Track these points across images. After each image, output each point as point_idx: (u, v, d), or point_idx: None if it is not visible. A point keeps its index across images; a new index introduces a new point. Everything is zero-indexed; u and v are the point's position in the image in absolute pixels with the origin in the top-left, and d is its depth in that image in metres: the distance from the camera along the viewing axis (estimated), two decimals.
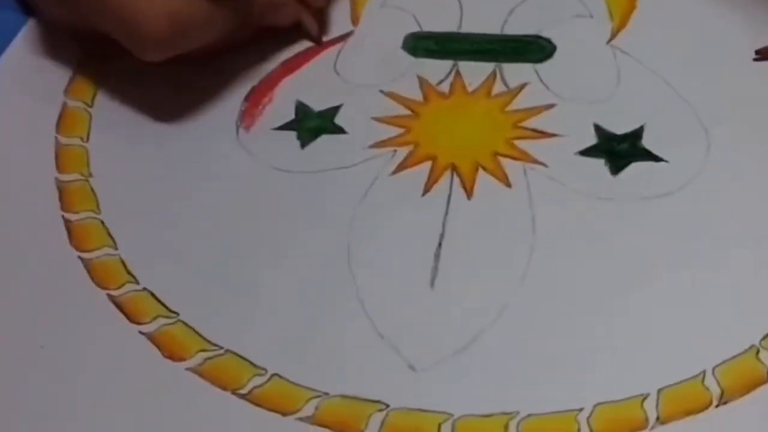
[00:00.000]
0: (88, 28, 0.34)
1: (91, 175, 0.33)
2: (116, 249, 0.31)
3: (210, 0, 0.32)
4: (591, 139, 0.33)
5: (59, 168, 0.33)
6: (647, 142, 0.32)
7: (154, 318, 0.29)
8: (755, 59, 0.34)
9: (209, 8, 0.32)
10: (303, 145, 0.33)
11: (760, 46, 0.34)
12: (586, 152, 0.32)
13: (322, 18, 0.36)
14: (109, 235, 0.31)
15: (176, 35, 0.32)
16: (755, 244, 0.30)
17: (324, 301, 0.29)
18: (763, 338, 0.28)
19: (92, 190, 0.33)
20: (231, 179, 0.33)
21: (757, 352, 0.27)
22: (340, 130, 0.34)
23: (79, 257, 0.31)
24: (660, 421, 0.26)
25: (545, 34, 0.36)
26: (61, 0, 0.34)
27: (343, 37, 0.37)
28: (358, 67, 0.36)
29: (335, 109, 0.34)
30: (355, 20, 0.37)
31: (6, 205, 0.32)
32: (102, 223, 0.32)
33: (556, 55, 0.35)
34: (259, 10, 0.35)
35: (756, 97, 0.33)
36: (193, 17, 0.32)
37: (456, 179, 0.32)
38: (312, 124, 0.34)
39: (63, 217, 0.32)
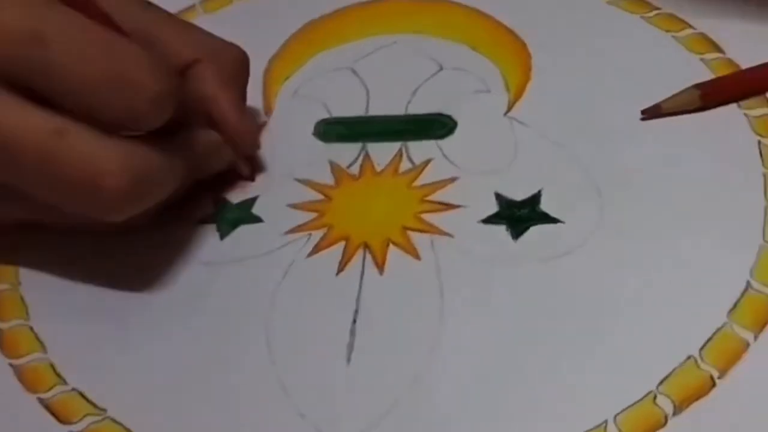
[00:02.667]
0: (20, 220, 0.34)
1: (19, 283, 0.34)
2: (45, 353, 0.32)
3: (158, 151, 0.32)
4: (492, 208, 0.34)
5: None
6: (545, 205, 0.34)
7: (83, 416, 0.30)
8: (642, 119, 0.36)
9: (160, 159, 0.32)
10: (222, 237, 0.35)
11: (645, 106, 0.36)
12: (488, 220, 0.34)
13: (251, 157, 0.37)
14: (38, 339, 0.33)
15: (138, 190, 0.31)
16: (650, 293, 0.31)
17: (247, 388, 0.31)
18: (660, 383, 0.29)
19: (21, 297, 0.34)
20: (155, 274, 0.34)
21: (654, 397, 0.29)
22: (257, 219, 0.35)
23: (10, 364, 0.32)
24: None
25: (447, 111, 0.38)
26: None
27: (256, 129, 0.38)
28: (274, 156, 0.37)
29: (252, 200, 0.36)
30: (267, 110, 0.39)
31: None
32: (31, 328, 0.33)
33: (457, 130, 0.37)
34: (196, 157, 0.34)
35: (644, 154, 0.35)
36: (152, 170, 0.32)
37: (368, 256, 0.34)
38: (231, 216, 0.36)
39: None
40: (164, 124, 0.32)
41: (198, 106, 0.35)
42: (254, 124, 0.37)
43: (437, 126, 0.37)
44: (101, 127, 0.31)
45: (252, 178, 0.37)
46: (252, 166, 0.37)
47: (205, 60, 0.36)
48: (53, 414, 0.30)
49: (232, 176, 0.37)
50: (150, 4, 0.36)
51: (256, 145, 0.37)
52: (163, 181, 0.32)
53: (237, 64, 0.37)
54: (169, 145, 0.33)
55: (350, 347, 0.31)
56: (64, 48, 0.30)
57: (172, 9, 0.42)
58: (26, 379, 0.31)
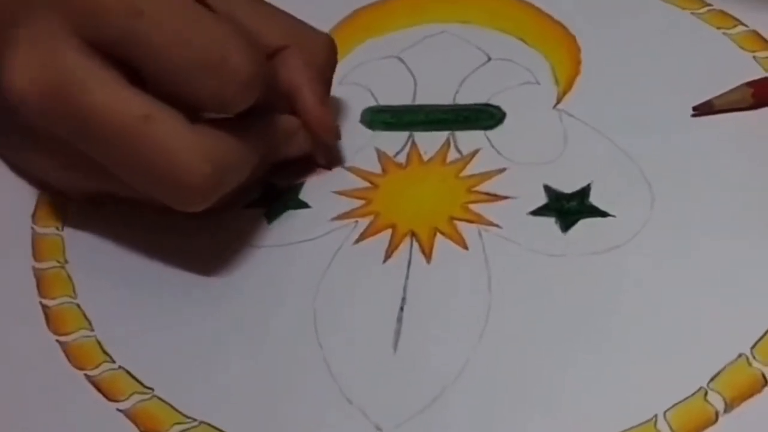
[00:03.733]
0: (94, 191, 0.34)
1: (66, 261, 0.35)
2: (92, 330, 0.32)
3: (237, 139, 0.32)
4: (541, 199, 0.34)
5: (36, 256, 0.35)
6: (594, 198, 0.34)
7: (130, 395, 0.31)
8: (693, 115, 0.36)
9: (240, 146, 0.32)
10: (270, 221, 0.35)
11: (697, 102, 0.36)
12: (537, 212, 0.34)
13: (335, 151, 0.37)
14: (85, 317, 0.33)
15: (218, 180, 0.31)
16: (700, 290, 0.31)
17: (293, 370, 0.31)
18: (711, 380, 0.29)
19: (68, 275, 0.34)
20: (203, 256, 0.34)
21: (705, 394, 0.29)
22: (304, 205, 0.35)
23: (57, 341, 0.32)
24: None
25: (495, 102, 0.38)
26: (69, 165, 0.33)
27: None
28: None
29: (299, 186, 0.36)
30: None
31: None
32: (78, 306, 0.33)
33: (506, 121, 0.37)
34: (276, 143, 0.34)
35: (695, 150, 0.35)
36: (232, 162, 0.32)
37: (415, 245, 0.34)
38: (278, 201, 0.36)
39: (41, 303, 0.33)
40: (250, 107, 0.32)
41: (282, 91, 0.35)
42: (332, 115, 0.36)
43: (485, 116, 0.37)
44: (189, 108, 0.31)
45: (329, 167, 0.36)
46: (329, 157, 0.36)
47: (293, 46, 0.35)
48: (100, 391, 0.31)
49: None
50: None
51: (337, 136, 0.36)
52: (242, 169, 0.32)
53: (325, 53, 0.36)
54: (250, 130, 0.32)
55: (397, 334, 0.31)
56: (161, 25, 0.30)
57: None
58: (73, 356, 0.32)
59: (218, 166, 0.31)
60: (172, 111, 0.31)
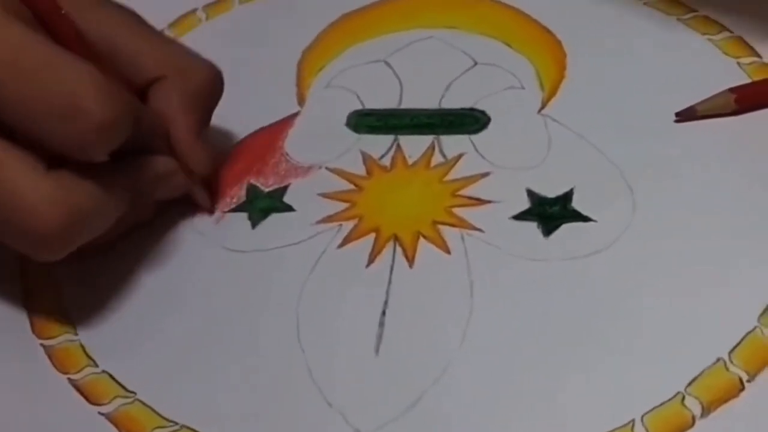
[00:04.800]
0: None
1: (53, 265, 0.35)
2: (76, 335, 0.33)
3: (98, 186, 0.31)
4: (524, 204, 0.34)
5: (23, 261, 0.35)
6: (577, 203, 0.34)
7: (113, 399, 0.31)
8: (676, 121, 0.36)
9: (102, 192, 0.31)
10: (254, 225, 0.35)
11: (680, 108, 0.36)
12: (520, 216, 0.34)
13: (211, 186, 0.36)
14: (70, 321, 0.33)
15: (74, 228, 0.30)
16: (680, 295, 0.31)
17: (275, 375, 0.31)
18: (688, 384, 0.29)
19: (55, 281, 0.34)
20: (186, 261, 0.34)
21: (683, 398, 0.29)
22: (288, 208, 0.36)
23: (41, 344, 0.32)
24: None
25: (480, 106, 0.38)
26: None
27: (289, 119, 0.39)
28: (306, 146, 0.38)
29: (284, 189, 0.36)
30: (301, 101, 0.39)
31: None
32: (64, 311, 0.33)
33: (491, 125, 0.37)
34: (147, 187, 0.33)
35: (677, 156, 0.35)
36: (87, 209, 0.30)
37: (398, 249, 0.34)
38: (262, 204, 0.36)
39: (26, 307, 0.34)
40: (120, 149, 0.31)
41: (156, 126, 0.34)
42: (209, 150, 0.35)
43: (470, 121, 0.37)
44: (47, 155, 0.30)
45: (211, 211, 0.35)
46: (211, 198, 0.36)
47: (171, 77, 0.34)
48: (83, 395, 0.31)
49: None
50: (124, 10, 0.35)
51: (207, 172, 0.35)
52: (104, 216, 0.31)
53: (205, 84, 0.35)
54: (116, 174, 0.31)
55: (379, 339, 0.31)
56: (10, 72, 0.29)
57: (202, 1, 0.43)
58: (57, 360, 0.32)
59: (73, 214, 0.30)
60: (26, 156, 0.30)
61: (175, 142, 0.34)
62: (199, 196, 0.35)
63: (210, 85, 0.35)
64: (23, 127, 0.30)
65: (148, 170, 0.33)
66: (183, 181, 0.34)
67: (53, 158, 0.30)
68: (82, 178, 0.30)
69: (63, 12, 0.31)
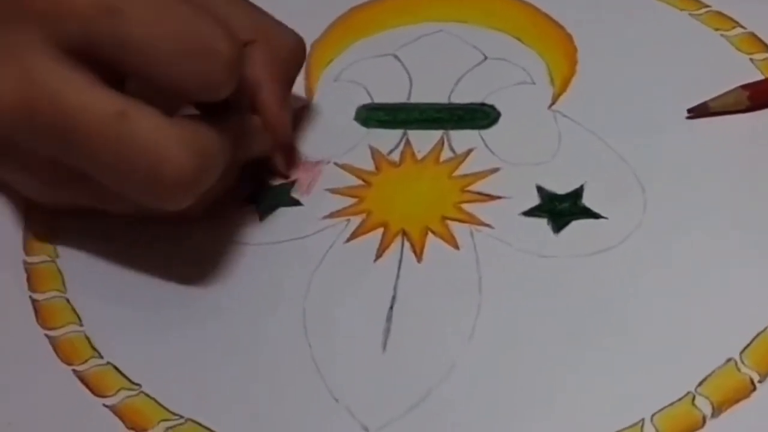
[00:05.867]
0: (80, 206, 0.33)
1: (57, 256, 0.35)
2: (81, 325, 0.32)
3: (215, 130, 0.32)
4: (534, 200, 0.34)
5: (26, 251, 0.35)
6: (587, 200, 0.34)
7: (118, 391, 0.30)
8: (688, 117, 0.36)
9: (217, 138, 0.32)
10: (262, 218, 0.35)
11: (691, 105, 0.36)
12: (529, 213, 0.34)
13: (290, 153, 0.36)
14: (75, 312, 0.33)
15: (203, 171, 0.31)
16: (691, 294, 0.31)
17: (281, 369, 0.31)
18: (699, 384, 0.29)
19: (59, 270, 0.34)
20: (193, 253, 0.34)
21: (693, 398, 0.29)
22: (296, 203, 0.35)
23: (46, 335, 0.32)
24: None
25: (490, 101, 0.38)
26: (51, 182, 0.33)
27: (298, 112, 0.38)
28: (314, 140, 0.37)
29: (292, 183, 0.36)
30: (309, 93, 0.39)
31: None
32: (67, 300, 0.33)
33: (501, 121, 0.37)
34: (241, 140, 0.34)
35: (689, 153, 0.35)
36: (213, 153, 0.31)
37: (407, 244, 0.33)
38: (270, 198, 0.35)
39: (30, 297, 0.33)
40: (216, 104, 0.32)
41: (245, 87, 0.34)
42: (291, 116, 0.36)
43: (480, 116, 0.37)
44: (168, 103, 0.31)
45: (286, 176, 0.36)
46: (287, 163, 0.36)
47: (260, 42, 0.35)
48: (87, 386, 0.31)
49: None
50: None
51: (289, 138, 0.36)
52: (221, 162, 0.32)
53: (290, 52, 0.36)
54: (221, 125, 0.32)
55: (386, 334, 0.31)
56: (139, 18, 0.30)
57: None
58: (62, 351, 0.32)
59: (202, 157, 0.31)
60: (148, 107, 0.31)
61: (261, 107, 0.34)
62: (278, 159, 0.36)
63: (296, 54, 0.36)
64: (155, 71, 0.30)
65: (243, 125, 0.34)
66: (267, 141, 0.35)
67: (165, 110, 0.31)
68: (200, 124, 0.31)
69: None
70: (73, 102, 0.30)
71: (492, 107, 0.37)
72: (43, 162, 0.32)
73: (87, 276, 0.34)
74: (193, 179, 0.30)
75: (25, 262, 0.34)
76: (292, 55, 0.36)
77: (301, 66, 0.36)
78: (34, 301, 0.33)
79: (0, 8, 0.31)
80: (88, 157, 0.31)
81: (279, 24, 0.36)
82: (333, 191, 0.35)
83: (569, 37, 0.39)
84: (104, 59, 0.30)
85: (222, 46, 0.31)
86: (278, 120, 0.35)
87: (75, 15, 0.30)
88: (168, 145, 0.30)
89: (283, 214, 0.35)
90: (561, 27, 0.40)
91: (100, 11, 0.30)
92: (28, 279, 0.34)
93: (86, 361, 0.31)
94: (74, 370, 0.31)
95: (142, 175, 0.30)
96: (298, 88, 0.39)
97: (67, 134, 0.30)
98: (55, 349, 0.32)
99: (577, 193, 0.34)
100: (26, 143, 0.31)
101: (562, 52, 0.39)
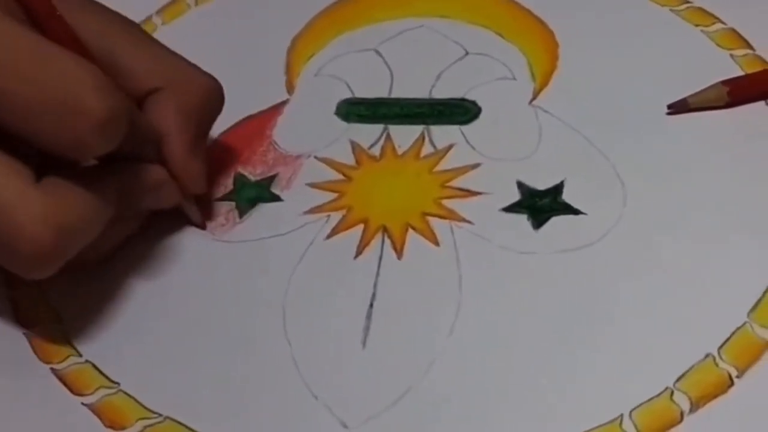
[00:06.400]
0: None
1: None
2: (61, 324, 0.32)
3: (87, 193, 0.30)
4: (514, 196, 0.34)
5: None
6: (567, 196, 0.34)
7: (96, 389, 0.30)
8: (668, 113, 0.36)
9: (92, 203, 0.30)
10: (241, 215, 0.35)
11: (672, 100, 0.36)
12: (510, 209, 0.34)
13: (206, 199, 0.35)
14: (53, 310, 0.33)
15: (63, 245, 0.29)
16: (670, 289, 0.31)
17: (260, 367, 0.31)
18: (677, 380, 0.29)
19: None
20: (171, 250, 0.34)
21: (672, 393, 0.29)
22: (276, 198, 0.35)
23: (24, 334, 0.32)
24: None
25: (471, 96, 0.38)
26: None
27: (278, 107, 0.38)
28: (295, 135, 0.37)
29: (272, 178, 0.36)
30: (290, 89, 0.39)
31: None
32: (46, 299, 0.33)
33: (481, 116, 0.37)
34: (135, 195, 0.32)
35: (669, 149, 0.35)
36: (77, 219, 0.29)
37: (387, 241, 0.33)
38: (249, 194, 0.35)
39: (9, 296, 0.33)
40: (109, 153, 0.30)
41: (150, 138, 0.33)
42: (204, 167, 0.34)
43: (461, 111, 0.37)
44: (36, 157, 0.29)
45: (203, 226, 0.34)
46: (199, 215, 0.34)
47: (167, 89, 0.33)
48: (66, 384, 0.30)
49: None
50: (121, 18, 0.34)
51: (200, 191, 0.34)
52: (91, 227, 0.30)
53: (203, 98, 0.34)
54: (106, 180, 0.31)
55: (366, 331, 0.31)
56: (6, 69, 0.28)
57: None
58: (40, 349, 0.31)
59: (63, 232, 0.29)
60: (17, 171, 0.29)
61: (168, 158, 0.33)
62: (190, 210, 0.34)
63: (209, 100, 0.34)
64: (17, 125, 0.28)
65: (138, 178, 0.32)
66: (174, 193, 0.33)
67: (42, 158, 0.29)
68: (71, 186, 0.29)
69: (58, 13, 0.31)
70: None
71: (473, 102, 0.37)
72: None
73: (65, 275, 0.33)
74: (51, 254, 0.29)
75: None
76: (205, 99, 0.34)
77: (217, 111, 0.34)
78: (12, 300, 0.33)
79: None
80: None
81: (192, 68, 0.34)
82: (313, 186, 0.35)
83: (551, 33, 0.39)
84: None
85: (95, 105, 0.28)
86: (186, 171, 0.33)
87: None
88: (25, 220, 0.28)
89: (263, 210, 0.35)
90: (542, 22, 0.40)
91: None
92: (7, 277, 0.33)
93: (65, 359, 0.31)
94: (53, 369, 0.31)
95: (2, 248, 0.29)
96: (279, 82, 0.39)
97: None
98: (33, 348, 0.32)
99: (557, 189, 0.34)
100: None
101: (543, 48, 0.39)
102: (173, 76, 0.33)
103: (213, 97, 0.34)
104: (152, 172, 0.33)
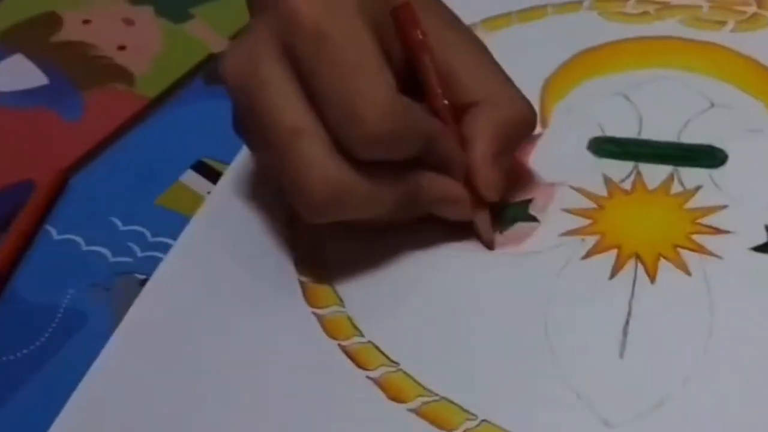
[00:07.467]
0: None
1: (325, 247, 0.38)
2: (344, 307, 0.36)
3: (372, 180, 0.34)
4: (762, 238, 0.36)
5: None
6: None
7: (378, 366, 0.34)
8: None
9: (370, 186, 0.34)
10: (502, 231, 0.38)
11: None
12: (760, 249, 0.36)
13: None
14: (338, 295, 0.37)
15: (333, 204, 0.34)
16: None
17: (526, 365, 0.34)
18: None
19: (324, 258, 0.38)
20: (438, 257, 0.37)
21: None
22: (533, 219, 0.39)
23: (313, 313, 0.36)
24: None
25: (718, 144, 0.40)
26: (259, 142, 0.36)
27: (533, 138, 0.42)
28: (549, 164, 0.41)
29: (528, 201, 0.39)
30: (544, 123, 0.42)
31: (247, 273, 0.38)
32: (332, 287, 0.37)
33: (728, 162, 0.39)
34: (428, 200, 0.36)
35: None
36: (351, 191, 0.34)
37: (640, 266, 0.36)
38: (509, 213, 0.39)
39: (299, 280, 0.37)
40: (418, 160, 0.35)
41: (458, 158, 0.36)
42: (502, 178, 0.37)
43: (709, 156, 0.40)
44: None
45: (491, 246, 0.37)
46: (490, 233, 0.37)
47: (488, 103, 0.36)
48: (352, 359, 0.34)
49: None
50: (471, 35, 0.38)
51: (493, 198, 0.37)
52: (361, 207, 0.34)
53: (517, 116, 0.37)
54: (397, 176, 0.35)
55: (623, 345, 0.34)
56: (331, 59, 0.33)
57: None
58: (328, 328, 0.35)
59: (336, 199, 0.34)
60: (322, 132, 0.34)
61: (470, 161, 0.36)
62: (481, 225, 0.37)
63: (522, 120, 0.37)
64: (322, 105, 0.34)
65: (433, 188, 0.36)
66: (466, 211, 0.37)
67: None
68: (365, 168, 0.34)
69: (428, 51, 0.35)
70: (267, 103, 0.34)
71: (720, 150, 0.40)
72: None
73: (348, 262, 0.37)
74: (322, 211, 0.34)
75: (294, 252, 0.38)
76: (518, 120, 0.37)
77: (527, 134, 0.38)
78: (301, 284, 0.37)
79: (271, 3, 0.35)
80: (267, 151, 0.35)
81: (514, 89, 0.37)
82: (568, 211, 0.39)
83: None
84: (306, 77, 0.34)
85: (373, 119, 0.33)
86: (484, 177, 0.36)
87: (295, 26, 0.33)
88: (314, 175, 0.33)
89: (522, 228, 0.38)
90: None
91: (314, 36, 0.33)
92: (296, 263, 0.38)
93: (350, 337, 0.35)
94: (340, 345, 0.35)
95: (290, 188, 0.34)
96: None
97: (253, 124, 0.35)
98: (322, 326, 0.36)
99: None
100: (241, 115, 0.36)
101: None
102: (494, 93, 0.37)
103: (526, 119, 0.37)
104: (450, 187, 0.36)
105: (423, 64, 0.36)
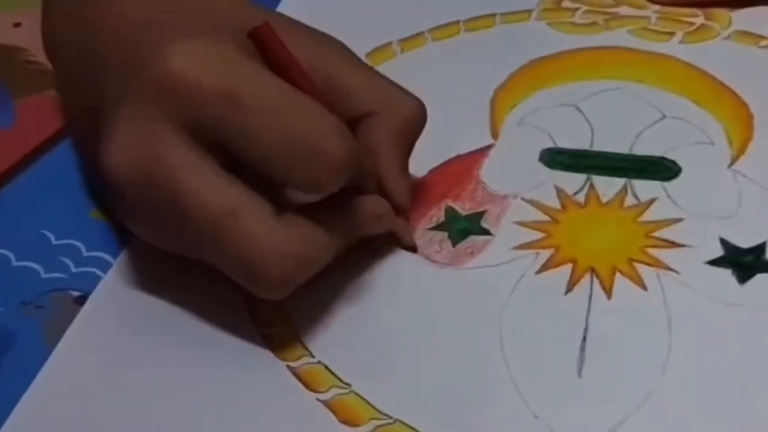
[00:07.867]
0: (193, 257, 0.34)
1: None
2: (293, 326, 0.35)
3: (319, 226, 0.32)
4: (717, 251, 0.36)
5: None
6: None
7: (329, 388, 0.33)
8: None
9: (326, 235, 0.33)
10: (454, 245, 0.37)
11: None
12: (715, 262, 0.36)
13: (420, 228, 0.37)
14: (287, 314, 0.35)
15: (300, 274, 0.32)
16: None
17: (482, 385, 0.33)
18: None
19: None
20: (391, 275, 0.36)
21: None
22: (486, 232, 0.38)
23: (261, 333, 0.35)
24: None
25: (670, 156, 0.40)
26: (170, 233, 0.33)
27: (484, 150, 0.41)
28: (500, 176, 0.40)
29: (480, 214, 0.38)
30: (494, 135, 0.41)
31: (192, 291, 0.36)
32: (281, 305, 0.35)
33: (682, 175, 0.39)
34: (361, 222, 0.35)
35: None
36: (314, 251, 0.32)
37: (596, 281, 0.35)
38: (461, 226, 0.38)
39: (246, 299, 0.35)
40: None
41: (372, 171, 0.35)
42: (409, 184, 0.37)
43: (662, 168, 0.39)
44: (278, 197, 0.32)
45: (414, 249, 0.37)
46: (411, 237, 0.37)
47: (383, 113, 0.35)
48: (302, 381, 0.33)
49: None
50: (337, 43, 0.36)
51: (407, 206, 0.36)
52: (325, 257, 0.33)
53: (412, 119, 0.36)
54: (336, 212, 0.33)
55: (581, 362, 0.33)
56: (257, 110, 0.31)
57: (397, 36, 0.45)
58: (277, 348, 0.34)
59: (303, 261, 0.32)
60: (261, 203, 0.31)
61: (381, 175, 0.35)
62: (404, 233, 0.37)
63: (416, 121, 0.37)
64: (264, 165, 0.31)
65: (362, 209, 0.34)
66: (391, 221, 0.36)
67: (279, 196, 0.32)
68: (307, 219, 0.32)
69: (296, 60, 0.33)
70: (191, 189, 0.31)
71: (673, 162, 0.39)
72: (155, 221, 0.33)
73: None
74: (291, 282, 0.32)
75: None
76: (414, 122, 0.36)
77: (421, 130, 0.37)
78: (249, 302, 0.35)
79: (141, 83, 0.32)
80: (195, 241, 0.32)
81: (400, 91, 0.36)
82: (521, 224, 0.38)
83: (745, 105, 0.41)
84: (221, 144, 0.31)
85: (332, 147, 0.31)
86: (398, 187, 0.36)
87: (198, 97, 0.31)
88: (268, 253, 0.31)
89: (474, 241, 0.37)
90: (736, 94, 0.42)
91: (223, 98, 0.31)
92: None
93: (299, 358, 0.34)
94: (288, 366, 0.33)
95: (241, 272, 0.32)
96: (483, 129, 0.42)
97: (178, 216, 0.31)
98: (270, 347, 0.34)
99: (761, 249, 0.36)
100: (140, 208, 0.32)
101: (738, 117, 0.41)
102: (385, 99, 0.36)
103: (420, 119, 0.37)
104: (375, 204, 0.35)
105: (300, 74, 0.33)
